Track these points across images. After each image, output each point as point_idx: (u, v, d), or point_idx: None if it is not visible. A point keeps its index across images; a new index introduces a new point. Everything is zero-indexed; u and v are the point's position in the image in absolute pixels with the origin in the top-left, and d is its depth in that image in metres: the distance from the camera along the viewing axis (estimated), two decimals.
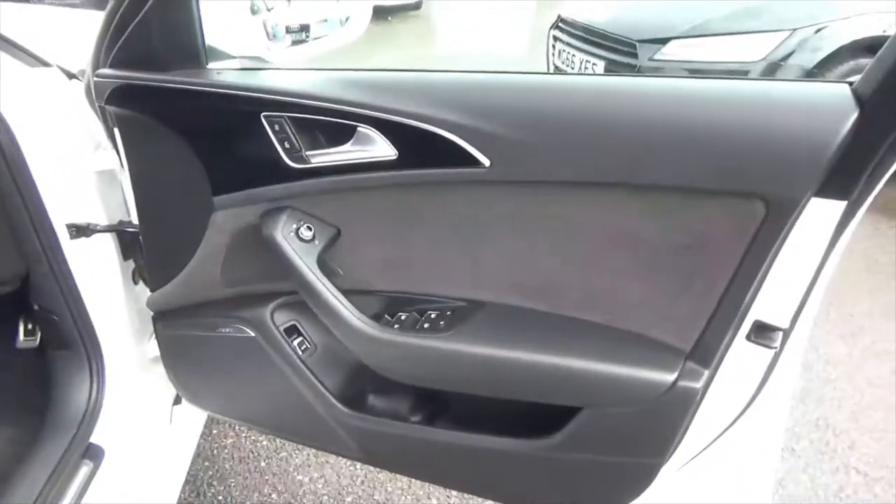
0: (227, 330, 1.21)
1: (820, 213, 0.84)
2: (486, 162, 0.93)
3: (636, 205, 0.93)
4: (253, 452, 2.01)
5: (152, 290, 1.25)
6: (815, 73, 3.25)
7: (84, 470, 1.19)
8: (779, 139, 0.82)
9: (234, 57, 1.16)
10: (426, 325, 1.07)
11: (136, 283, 1.35)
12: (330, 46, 1.61)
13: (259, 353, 1.20)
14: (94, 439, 1.22)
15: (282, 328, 1.19)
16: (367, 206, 1.07)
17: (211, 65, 1.10)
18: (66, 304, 1.18)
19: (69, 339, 1.22)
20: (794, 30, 3.29)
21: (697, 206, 0.89)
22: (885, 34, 3.15)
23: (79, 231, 1.16)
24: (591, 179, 0.92)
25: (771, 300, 0.91)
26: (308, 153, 1.02)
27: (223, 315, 1.21)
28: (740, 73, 3.31)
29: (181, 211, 1.15)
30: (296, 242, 1.05)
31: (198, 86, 1.01)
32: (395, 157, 0.97)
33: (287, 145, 1.01)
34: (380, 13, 7.62)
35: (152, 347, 1.37)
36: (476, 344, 1.02)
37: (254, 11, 1.54)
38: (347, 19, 1.72)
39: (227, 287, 1.20)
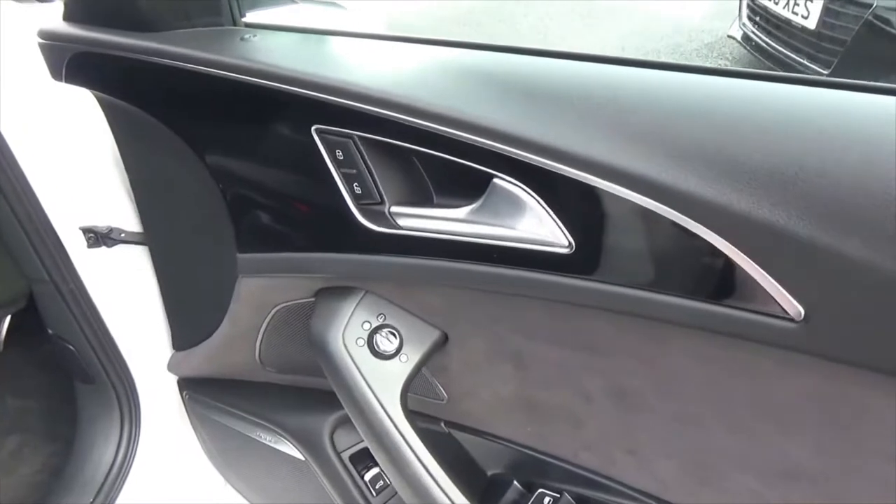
0: (268, 439, 0.78)
1: None
2: (796, 312, 0.38)
3: None
4: None
5: (175, 349, 0.85)
6: None
7: None
8: None
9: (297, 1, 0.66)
10: None
11: None
12: None
13: (312, 483, 0.77)
14: None
15: (346, 455, 0.74)
16: (505, 312, 0.56)
17: (249, 16, 0.62)
18: (82, 330, 0.82)
19: (92, 373, 0.87)
20: None
21: None
22: None
23: (98, 238, 0.77)
24: None
25: None
26: (394, 209, 0.52)
27: (262, 416, 0.78)
28: None
29: (199, 257, 0.71)
30: (366, 358, 0.58)
31: (191, 62, 0.54)
32: (567, 251, 0.45)
33: (358, 190, 0.52)
34: None
35: None
36: None
37: None
38: None
39: (270, 371, 0.77)
